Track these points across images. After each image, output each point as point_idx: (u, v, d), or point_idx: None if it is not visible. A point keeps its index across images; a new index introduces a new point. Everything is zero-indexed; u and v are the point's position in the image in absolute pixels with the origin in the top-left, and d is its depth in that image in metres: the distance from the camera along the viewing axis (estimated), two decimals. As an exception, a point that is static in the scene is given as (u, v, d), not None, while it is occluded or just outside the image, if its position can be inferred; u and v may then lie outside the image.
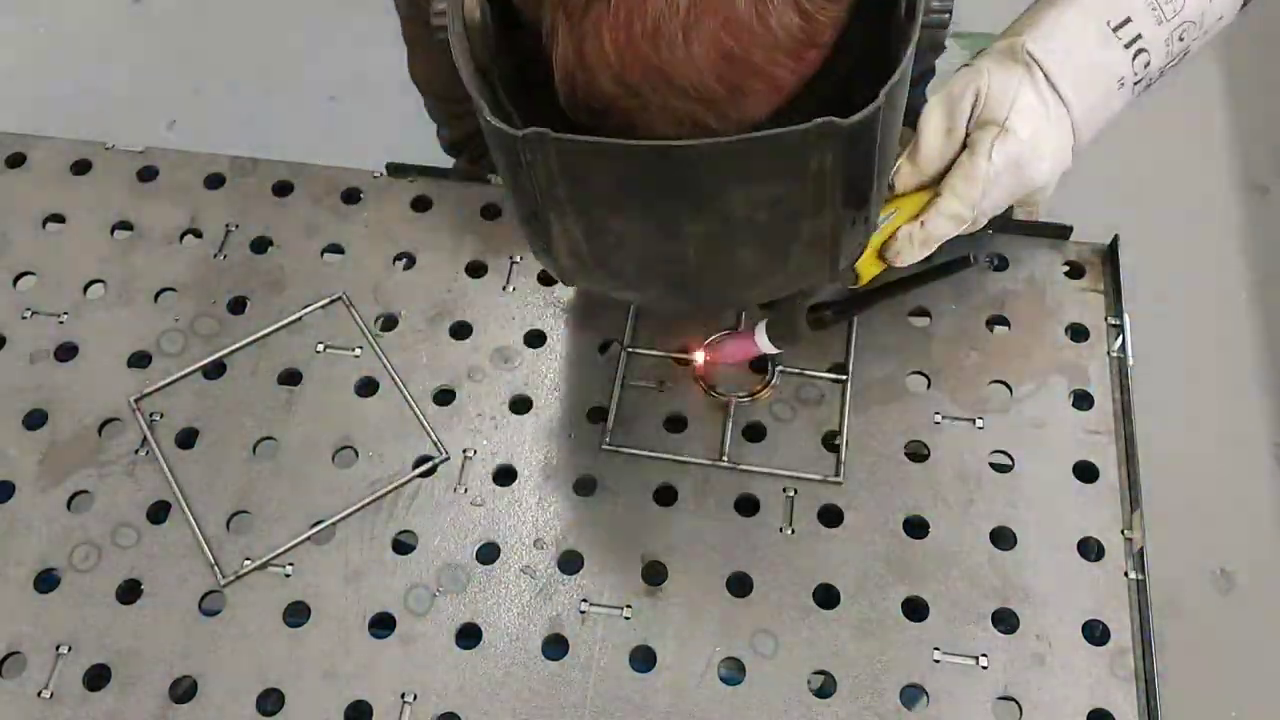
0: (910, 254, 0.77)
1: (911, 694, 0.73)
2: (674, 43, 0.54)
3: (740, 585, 0.77)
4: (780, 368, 0.85)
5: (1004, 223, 0.90)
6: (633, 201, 0.59)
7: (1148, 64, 0.77)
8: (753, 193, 0.57)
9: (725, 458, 0.82)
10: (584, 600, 0.76)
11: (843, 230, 0.62)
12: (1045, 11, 0.78)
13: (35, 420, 0.84)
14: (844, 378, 0.85)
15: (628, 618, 0.76)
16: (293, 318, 0.89)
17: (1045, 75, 0.76)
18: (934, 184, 0.78)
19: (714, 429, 0.83)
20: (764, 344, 0.81)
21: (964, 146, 0.77)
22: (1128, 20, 0.76)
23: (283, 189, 0.96)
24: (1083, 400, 0.83)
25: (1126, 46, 0.76)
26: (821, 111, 0.53)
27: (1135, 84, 0.77)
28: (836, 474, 0.81)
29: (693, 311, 0.87)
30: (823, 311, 0.80)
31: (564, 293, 0.89)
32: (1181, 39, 0.77)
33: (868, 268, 0.78)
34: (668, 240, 0.62)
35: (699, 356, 0.85)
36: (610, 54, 0.55)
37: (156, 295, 0.90)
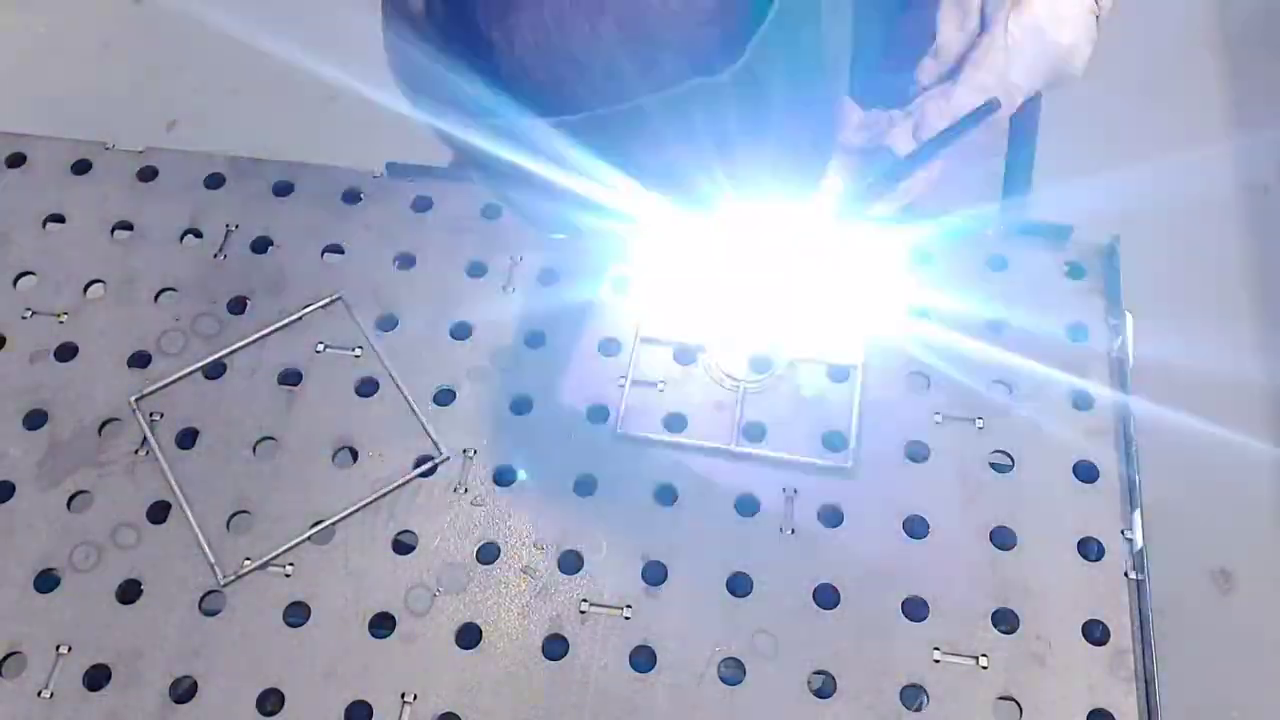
0: (937, 126, 0.77)
1: (911, 694, 0.73)
2: (580, 32, 0.58)
3: (740, 585, 0.77)
4: (790, 357, 0.85)
5: (1004, 223, 0.90)
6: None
7: None
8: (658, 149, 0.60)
9: (735, 443, 0.82)
10: (584, 600, 0.76)
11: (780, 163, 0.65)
12: None
13: (35, 420, 0.84)
14: (857, 363, 0.85)
15: (628, 618, 0.76)
16: (293, 318, 0.89)
17: None
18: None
19: (715, 428, 0.83)
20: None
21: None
22: None
23: (283, 189, 0.96)
24: (1083, 400, 0.84)
25: None
26: None
27: None
28: (847, 460, 0.81)
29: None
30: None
31: (564, 293, 0.90)
32: None
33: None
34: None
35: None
36: (534, 48, 0.60)
37: (156, 295, 0.90)
